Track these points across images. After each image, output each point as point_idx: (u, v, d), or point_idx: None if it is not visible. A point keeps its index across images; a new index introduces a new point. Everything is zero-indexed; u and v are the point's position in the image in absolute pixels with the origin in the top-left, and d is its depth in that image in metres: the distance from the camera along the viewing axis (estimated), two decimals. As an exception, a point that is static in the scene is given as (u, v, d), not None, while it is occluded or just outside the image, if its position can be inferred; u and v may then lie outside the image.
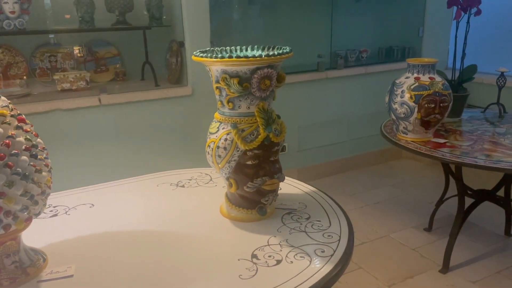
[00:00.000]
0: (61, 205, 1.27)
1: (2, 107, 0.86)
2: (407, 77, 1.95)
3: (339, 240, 1.06)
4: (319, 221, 1.16)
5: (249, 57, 1.02)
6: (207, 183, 1.45)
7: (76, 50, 2.64)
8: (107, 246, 1.07)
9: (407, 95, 1.90)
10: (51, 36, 2.61)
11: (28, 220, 0.90)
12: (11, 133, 0.84)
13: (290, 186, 1.39)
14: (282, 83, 1.13)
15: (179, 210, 1.26)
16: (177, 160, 2.65)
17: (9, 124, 0.85)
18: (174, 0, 2.64)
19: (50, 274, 0.94)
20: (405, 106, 1.91)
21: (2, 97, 0.88)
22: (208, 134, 1.15)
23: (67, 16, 2.56)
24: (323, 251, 1.01)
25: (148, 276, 0.94)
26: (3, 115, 0.85)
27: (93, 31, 2.60)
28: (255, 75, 1.05)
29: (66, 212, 1.24)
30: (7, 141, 0.83)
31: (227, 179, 1.15)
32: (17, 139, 0.85)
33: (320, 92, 3.20)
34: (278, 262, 0.97)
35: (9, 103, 0.88)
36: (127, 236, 1.11)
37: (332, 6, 3.24)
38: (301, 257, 0.99)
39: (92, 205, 1.29)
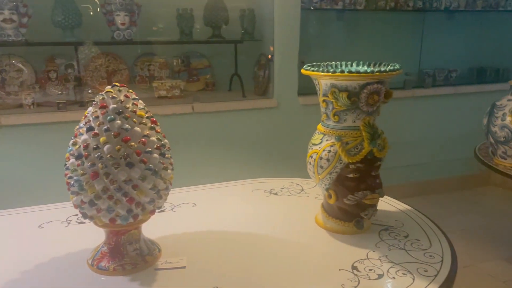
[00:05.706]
0: (167, 202, 1.38)
1: (140, 109, 0.96)
2: (509, 100, 1.85)
3: (441, 261, 1.05)
4: (418, 240, 1.15)
5: (361, 73, 1.05)
6: (299, 193, 1.49)
7: (175, 61, 2.83)
8: (211, 243, 1.14)
9: (508, 119, 1.80)
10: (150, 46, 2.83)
11: (152, 212, 0.99)
12: (147, 133, 0.94)
13: (384, 203, 1.38)
14: (389, 99, 1.14)
15: (275, 216, 1.31)
16: (261, 168, 2.72)
17: (145, 124, 0.95)
18: (267, 16, 2.75)
19: (165, 264, 1.02)
20: (505, 129, 1.81)
21: (140, 100, 0.99)
22: (310, 145, 1.19)
23: (154, 28, 2.75)
24: (425, 271, 1.00)
25: (251, 278, 0.99)
26: (141, 116, 0.95)
27: (191, 43, 2.78)
28: (365, 90, 1.07)
29: (172, 209, 1.34)
30: (143, 139, 0.93)
31: (327, 190, 1.18)
32: (151, 138, 0.95)
33: (406, 110, 3.13)
34: (380, 276, 0.98)
35: (145, 106, 0.99)
36: (228, 236, 1.18)
37: (423, 23, 3.17)
38: (403, 274, 0.99)
39: (194, 204, 1.38)
